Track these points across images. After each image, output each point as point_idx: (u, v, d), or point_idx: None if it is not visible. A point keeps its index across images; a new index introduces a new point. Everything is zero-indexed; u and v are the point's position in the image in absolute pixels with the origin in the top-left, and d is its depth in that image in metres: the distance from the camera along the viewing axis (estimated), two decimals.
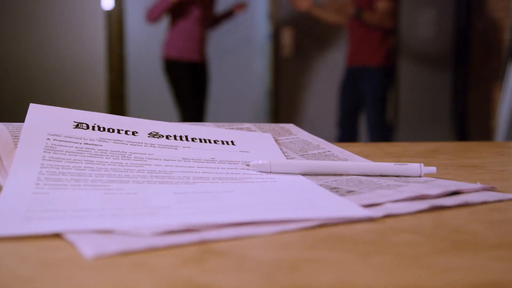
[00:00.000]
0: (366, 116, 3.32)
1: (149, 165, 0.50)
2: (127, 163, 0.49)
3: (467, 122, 4.08)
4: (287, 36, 4.04)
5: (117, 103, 4.10)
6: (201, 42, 3.35)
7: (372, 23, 3.18)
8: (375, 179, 0.50)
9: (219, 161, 0.53)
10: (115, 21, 4.17)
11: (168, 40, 3.32)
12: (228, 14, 3.55)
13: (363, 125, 3.40)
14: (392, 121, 4.01)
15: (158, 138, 0.55)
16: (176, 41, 3.29)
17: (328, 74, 3.96)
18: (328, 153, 0.61)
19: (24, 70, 4.13)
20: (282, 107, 4.08)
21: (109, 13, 4.16)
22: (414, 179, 0.50)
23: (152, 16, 3.28)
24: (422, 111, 4.19)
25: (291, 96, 4.08)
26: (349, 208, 0.39)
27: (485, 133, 3.79)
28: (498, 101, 3.30)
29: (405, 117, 4.14)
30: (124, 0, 4.22)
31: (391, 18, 3.22)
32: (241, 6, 3.55)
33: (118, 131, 0.54)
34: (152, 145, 0.54)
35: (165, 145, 0.54)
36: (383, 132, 3.30)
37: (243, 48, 4.33)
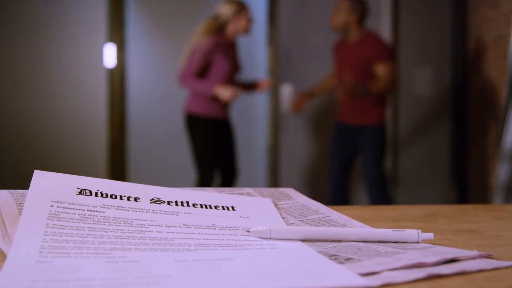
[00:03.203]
0: (365, 175, 3.32)
1: (151, 231, 0.50)
2: (129, 230, 0.50)
3: (466, 179, 4.09)
4: (286, 92, 4.10)
5: (117, 160, 4.12)
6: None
7: (380, 92, 3.12)
8: (373, 246, 0.50)
9: (219, 227, 0.54)
10: (117, 79, 4.25)
11: (191, 97, 3.32)
12: (250, 87, 3.52)
13: (355, 180, 3.40)
14: (391, 178, 4.02)
15: (159, 204, 0.56)
16: (199, 98, 3.28)
17: (327, 130, 3.99)
18: (327, 218, 0.62)
19: (26, 126, 4.17)
20: (282, 163, 4.09)
21: (111, 71, 4.24)
22: (412, 245, 0.51)
23: (184, 80, 3.27)
24: (421, 168, 4.20)
25: (291, 152, 4.10)
26: (347, 277, 0.40)
27: (484, 191, 3.79)
28: (496, 159, 3.33)
29: (405, 174, 4.15)
30: (126, 59, 4.31)
31: (394, 80, 3.16)
32: (265, 85, 3.50)
33: (121, 197, 0.55)
34: (154, 211, 0.55)
35: (167, 211, 0.55)
36: (384, 189, 3.29)
37: (243, 104, 4.39)
